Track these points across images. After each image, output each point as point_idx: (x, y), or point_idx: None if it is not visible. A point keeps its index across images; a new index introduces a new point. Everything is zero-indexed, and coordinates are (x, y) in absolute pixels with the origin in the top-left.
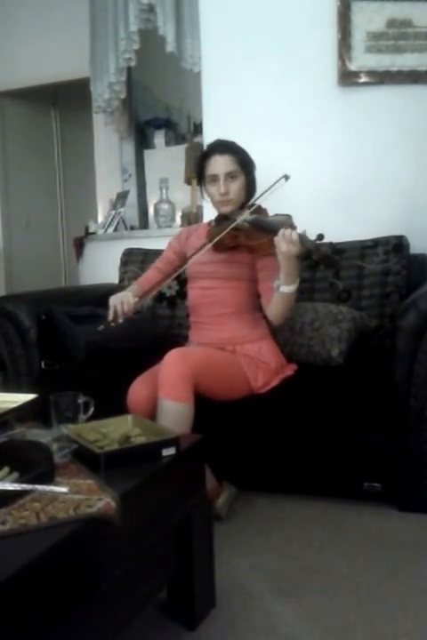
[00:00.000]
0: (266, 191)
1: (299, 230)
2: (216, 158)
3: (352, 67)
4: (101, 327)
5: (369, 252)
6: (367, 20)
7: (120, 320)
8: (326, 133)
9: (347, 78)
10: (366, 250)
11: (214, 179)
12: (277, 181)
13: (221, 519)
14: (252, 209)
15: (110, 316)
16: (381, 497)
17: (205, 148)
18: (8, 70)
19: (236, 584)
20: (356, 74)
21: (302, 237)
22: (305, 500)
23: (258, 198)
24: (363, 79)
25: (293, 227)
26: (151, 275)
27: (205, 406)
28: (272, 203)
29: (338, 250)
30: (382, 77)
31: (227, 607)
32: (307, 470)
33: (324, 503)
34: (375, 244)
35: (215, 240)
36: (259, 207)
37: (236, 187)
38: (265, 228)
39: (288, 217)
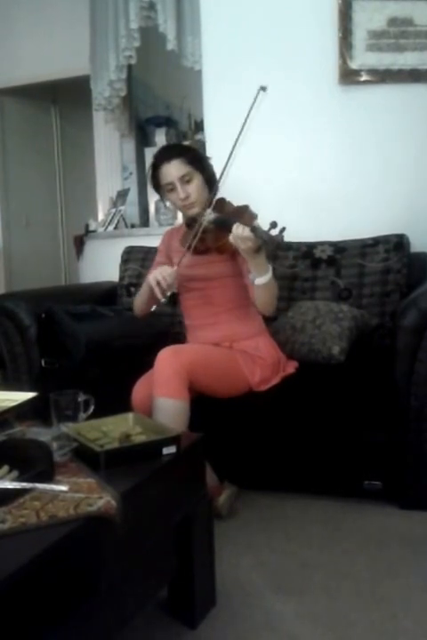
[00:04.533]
0: (248, 114)
1: (258, 219)
2: (166, 166)
3: (353, 65)
4: (154, 307)
5: (370, 251)
6: (368, 19)
7: (168, 294)
8: (327, 132)
9: (348, 77)
10: (367, 248)
11: (171, 187)
12: (257, 96)
13: (222, 517)
14: (212, 206)
15: (158, 294)
16: (381, 495)
17: (152, 159)
18: (8, 68)
19: (236, 582)
20: (357, 72)
21: (256, 230)
22: (306, 498)
23: (243, 126)
24: (364, 78)
25: (252, 217)
26: None
27: (206, 405)
28: (273, 201)
29: (339, 248)
30: (383, 76)
31: (227, 606)
32: (308, 468)
33: (324, 501)
34: (376, 242)
35: (190, 250)
36: (219, 200)
37: (194, 187)
38: (225, 225)
39: (245, 207)
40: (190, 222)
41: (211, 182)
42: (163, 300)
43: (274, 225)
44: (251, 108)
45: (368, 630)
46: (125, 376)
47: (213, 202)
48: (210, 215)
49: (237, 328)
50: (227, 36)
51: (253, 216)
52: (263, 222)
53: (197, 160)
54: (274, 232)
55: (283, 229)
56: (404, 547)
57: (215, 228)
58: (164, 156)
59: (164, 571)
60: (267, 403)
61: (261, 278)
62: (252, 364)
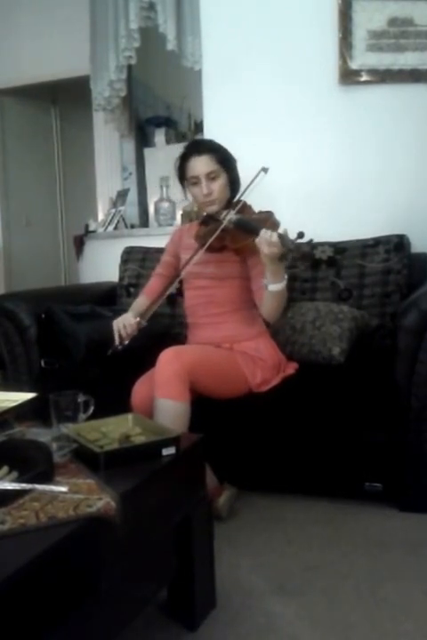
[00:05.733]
0: (247, 187)
1: (281, 227)
2: (195, 159)
3: (353, 65)
4: (110, 352)
5: (370, 251)
6: (368, 19)
7: (126, 342)
8: (327, 132)
9: (348, 77)
10: (368, 249)
11: (196, 180)
12: (257, 175)
13: (222, 519)
14: (236, 208)
15: (116, 341)
16: (382, 497)
17: (182, 149)
18: (8, 68)
19: (236, 584)
20: (357, 72)
21: (283, 238)
22: (306, 500)
23: (241, 194)
24: (364, 78)
25: (275, 225)
26: (155, 283)
27: (206, 406)
28: (272, 201)
29: (339, 249)
30: (384, 76)
31: (227, 607)
32: (308, 470)
33: (325, 503)
34: (376, 243)
35: (205, 247)
36: (244, 204)
37: (218, 186)
38: (248, 228)
39: (270, 214)
40: (207, 220)
41: (234, 184)
42: (119, 347)
43: (301, 235)
44: (249, 184)
45: (368, 632)
46: (125, 377)
47: (237, 204)
48: (233, 216)
49: (239, 329)
50: (227, 36)
51: (277, 224)
52: None
53: (226, 160)
54: (300, 242)
55: (310, 241)
56: (404, 549)
57: (237, 228)
58: (195, 149)
59: (163, 572)
60: (267, 404)
61: (276, 285)
62: (252, 365)
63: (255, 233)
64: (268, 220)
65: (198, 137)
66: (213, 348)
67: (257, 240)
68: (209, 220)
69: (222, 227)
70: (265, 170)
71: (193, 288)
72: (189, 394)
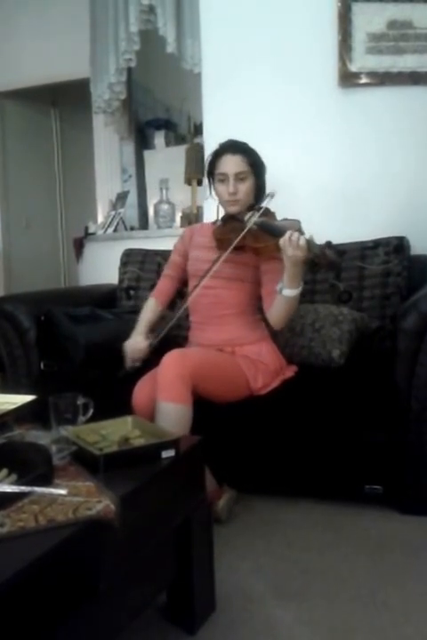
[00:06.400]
0: (268, 209)
1: (307, 235)
2: (227, 157)
3: (353, 68)
4: (122, 373)
5: (370, 253)
6: (368, 22)
7: (137, 364)
8: (327, 134)
9: (347, 79)
10: (367, 251)
11: (224, 178)
12: (264, 199)
13: (222, 522)
14: (261, 211)
15: (128, 363)
16: (382, 500)
17: (217, 146)
18: (8, 71)
19: (236, 587)
20: (356, 75)
21: (310, 243)
22: (306, 502)
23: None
24: (363, 80)
25: (301, 232)
26: (164, 284)
27: (206, 408)
28: (272, 203)
29: (339, 251)
30: (383, 78)
31: (227, 611)
32: (308, 473)
33: (325, 506)
34: (376, 245)
35: (233, 245)
36: (267, 210)
37: (245, 188)
38: (272, 230)
39: (296, 222)
40: (228, 219)
41: (259, 190)
42: (131, 370)
43: (329, 245)
44: (260, 204)
45: (369, 636)
46: (124, 379)
47: (261, 208)
48: (257, 218)
49: (242, 332)
50: (226, 38)
51: (302, 231)
52: None
53: (257, 165)
54: (328, 252)
55: (337, 251)
56: (405, 552)
57: (258, 229)
58: (229, 147)
59: (163, 575)
60: (267, 406)
61: (291, 291)
62: (254, 369)
63: (280, 235)
64: (294, 225)
65: (196, 140)
66: (216, 352)
67: (282, 241)
68: (230, 220)
69: (249, 227)
70: (272, 195)
71: (200, 286)
72: (191, 397)
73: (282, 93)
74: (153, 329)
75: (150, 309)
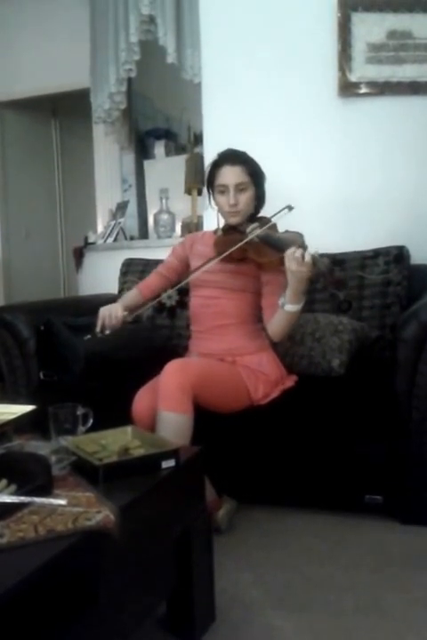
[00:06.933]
0: (270, 219)
1: (311, 250)
2: (227, 168)
3: (353, 78)
4: (88, 337)
5: (370, 263)
6: (368, 32)
7: (107, 331)
8: (327, 144)
9: (347, 89)
10: (367, 260)
11: (224, 189)
12: (281, 211)
13: (221, 532)
14: (265, 225)
15: (98, 327)
16: (382, 510)
17: (216, 156)
18: (8, 80)
19: (236, 597)
20: (356, 85)
21: (316, 259)
22: (306, 512)
23: (265, 225)
24: (363, 90)
25: (304, 246)
26: (152, 280)
27: (206, 418)
28: (272, 212)
29: (339, 260)
30: (383, 88)
31: (227, 621)
32: (308, 483)
33: (325, 516)
34: (376, 254)
35: (225, 255)
36: (269, 221)
37: (245, 198)
38: (275, 245)
39: (299, 235)
40: (229, 230)
41: (259, 200)
42: (99, 334)
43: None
44: (272, 217)
45: None
46: (124, 389)
47: (265, 221)
48: (259, 230)
49: (243, 342)
50: (226, 49)
51: (306, 246)
52: None
53: (257, 175)
54: (334, 269)
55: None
56: (405, 562)
57: (262, 243)
58: (229, 158)
59: (163, 585)
60: (267, 416)
61: (293, 306)
62: (255, 379)
63: (282, 249)
64: (297, 239)
65: (197, 150)
66: (217, 362)
67: (287, 255)
68: (231, 231)
69: (248, 239)
70: (290, 208)
71: (201, 296)
72: (192, 407)
73: (282, 103)
74: (131, 311)
75: (131, 297)
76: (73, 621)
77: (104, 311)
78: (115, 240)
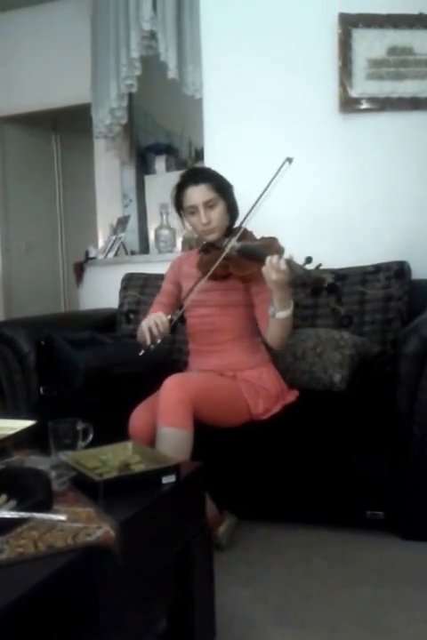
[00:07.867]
0: (272, 179)
1: (286, 254)
2: (191, 188)
3: (353, 93)
4: (142, 352)
5: (371, 278)
6: (368, 48)
7: (158, 341)
8: (328, 159)
9: (348, 105)
10: (368, 275)
11: (193, 210)
12: (282, 166)
13: (222, 548)
14: (238, 235)
15: (148, 340)
16: (383, 526)
17: (178, 178)
18: (9, 96)
19: (236, 614)
20: (357, 100)
21: (291, 264)
22: (307, 528)
23: (266, 188)
24: (364, 106)
25: (280, 251)
26: (157, 310)
27: (206, 434)
28: (273, 228)
29: (340, 276)
30: (383, 104)
31: (227, 637)
32: (309, 499)
33: (326, 532)
34: (377, 269)
35: (208, 275)
36: (245, 230)
37: (217, 214)
38: (253, 255)
39: (274, 240)
40: (209, 248)
41: (232, 211)
42: (152, 346)
43: (309, 260)
44: (274, 176)
45: None
46: (125, 404)
47: (238, 231)
48: (235, 243)
49: (242, 357)
50: (227, 65)
51: (281, 250)
52: None
53: (223, 187)
54: (309, 267)
55: (318, 266)
56: (406, 578)
57: (241, 256)
58: (191, 178)
59: (163, 601)
60: (267, 431)
61: (283, 312)
62: (255, 394)
63: (261, 260)
64: (272, 245)
65: (198, 165)
66: (217, 377)
67: (264, 268)
68: (210, 248)
69: (225, 254)
70: (290, 160)
71: (196, 316)
72: (192, 422)
73: (283, 119)
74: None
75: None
76: (73, 638)
77: (148, 323)
78: (115, 255)
